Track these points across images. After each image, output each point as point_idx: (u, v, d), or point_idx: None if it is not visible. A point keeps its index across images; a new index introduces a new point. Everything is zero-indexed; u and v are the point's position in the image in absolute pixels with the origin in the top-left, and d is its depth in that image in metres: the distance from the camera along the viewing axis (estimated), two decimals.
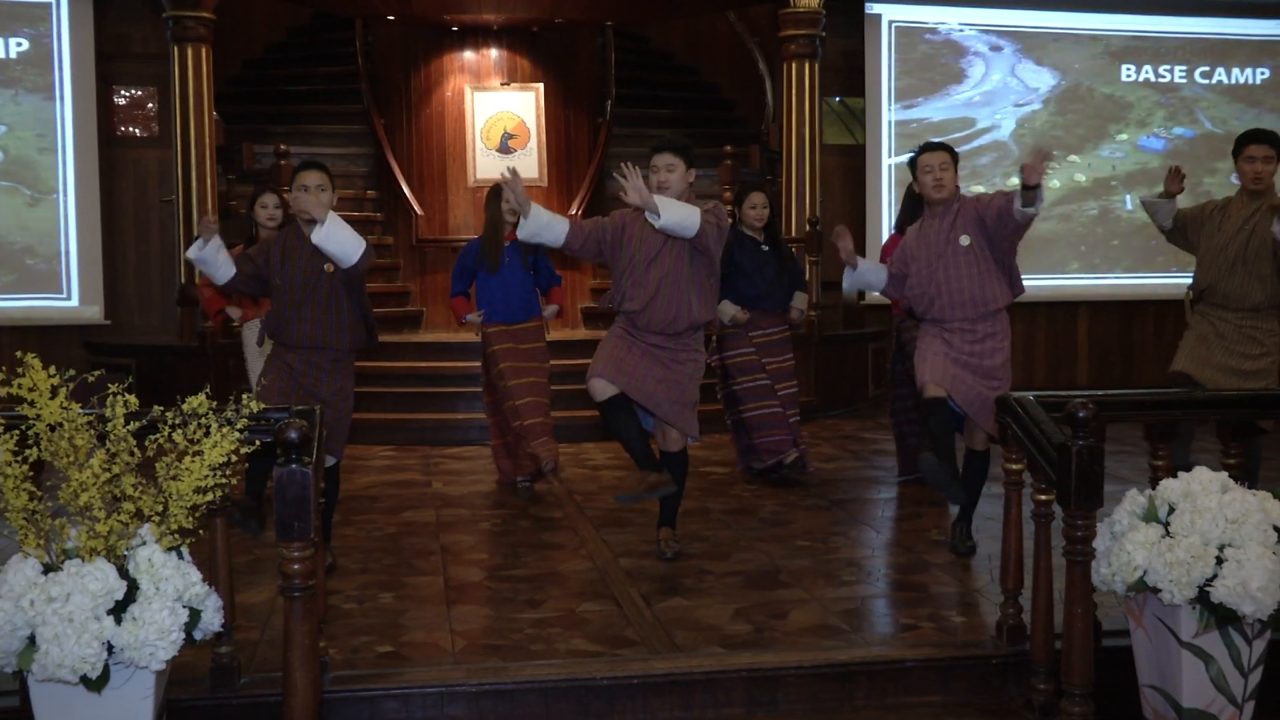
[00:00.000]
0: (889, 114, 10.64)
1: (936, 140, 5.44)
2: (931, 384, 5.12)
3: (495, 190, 6.63)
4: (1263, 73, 11.38)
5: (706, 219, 4.95)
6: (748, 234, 6.76)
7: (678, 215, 4.86)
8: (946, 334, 5.22)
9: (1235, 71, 11.34)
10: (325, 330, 5.00)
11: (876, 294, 6.03)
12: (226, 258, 4.96)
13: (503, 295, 6.59)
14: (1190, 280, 5.91)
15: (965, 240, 5.15)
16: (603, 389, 5.10)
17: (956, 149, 5.48)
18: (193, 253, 4.96)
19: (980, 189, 10.51)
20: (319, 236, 4.67)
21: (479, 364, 7.00)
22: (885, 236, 7.20)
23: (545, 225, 5.04)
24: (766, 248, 6.76)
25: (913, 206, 6.86)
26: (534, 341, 6.69)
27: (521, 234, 5.10)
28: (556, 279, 6.87)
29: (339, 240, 4.70)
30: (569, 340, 9.17)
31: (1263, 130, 5.76)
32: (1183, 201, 5.88)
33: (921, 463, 5.18)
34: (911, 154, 5.43)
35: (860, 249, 10.39)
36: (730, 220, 6.66)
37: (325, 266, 4.97)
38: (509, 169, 5.03)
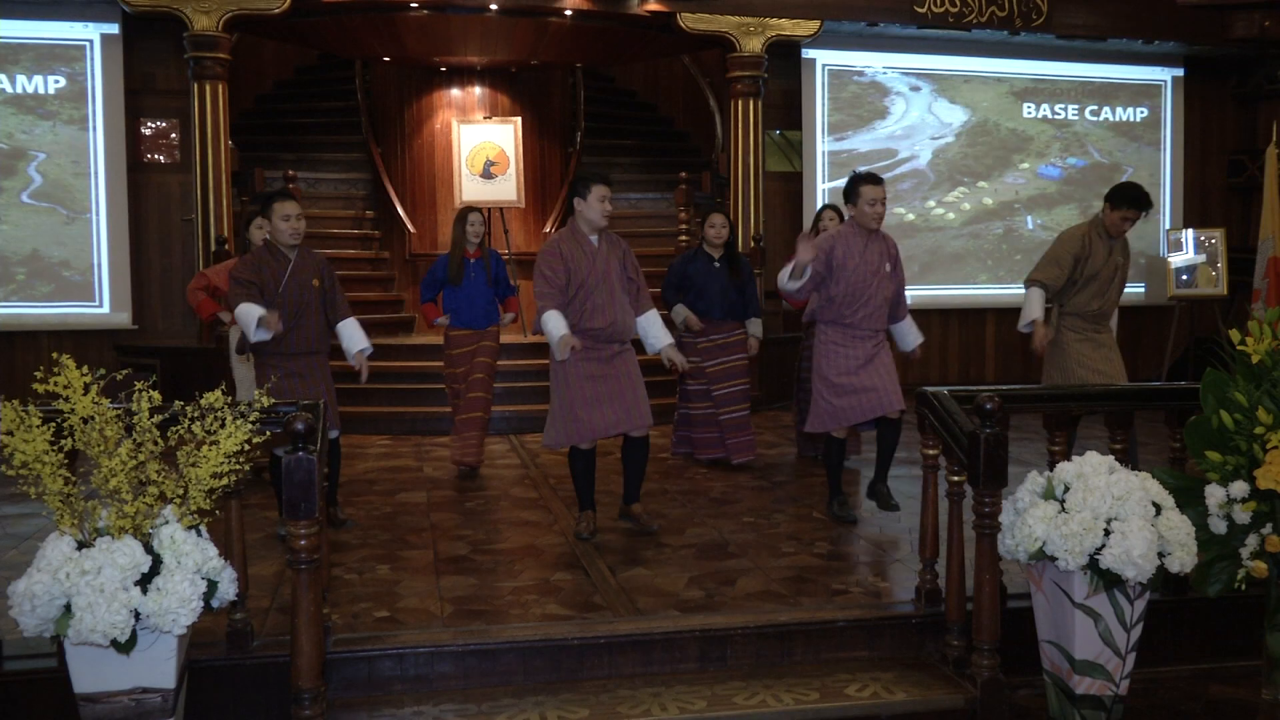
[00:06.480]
0: (822, 145, 10.67)
1: (868, 171, 5.42)
2: (839, 429, 5.37)
3: (461, 214, 6.67)
4: (1141, 111, 11.52)
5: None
6: (705, 250, 6.75)
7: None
8: (852, 340, 5.33)
9: (1119, 110, 11.46)
10: (317, 336, 5.16)
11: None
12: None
13: (468, 305, 6.60)
14: (1052, 299, 5.81)
15: (888, 268, 5.40)
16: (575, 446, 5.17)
17: (881, 176, 5.48)
18: (256, 337, 4.95)
19: (901, 211, 10.59)
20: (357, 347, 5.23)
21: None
22: None
23: (554, 326, 5.01)
24: (718, 264, 6.73)
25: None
26: (491, 344, 6.73)
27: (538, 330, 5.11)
28: (513, 290, 6.89)
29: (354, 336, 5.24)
30: (544, 343, 9.11)
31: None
32: (1072, 220, 5.87)
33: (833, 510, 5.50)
34: (855, 176, 5.38)
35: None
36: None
37: (313, 282, 5.04)
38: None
